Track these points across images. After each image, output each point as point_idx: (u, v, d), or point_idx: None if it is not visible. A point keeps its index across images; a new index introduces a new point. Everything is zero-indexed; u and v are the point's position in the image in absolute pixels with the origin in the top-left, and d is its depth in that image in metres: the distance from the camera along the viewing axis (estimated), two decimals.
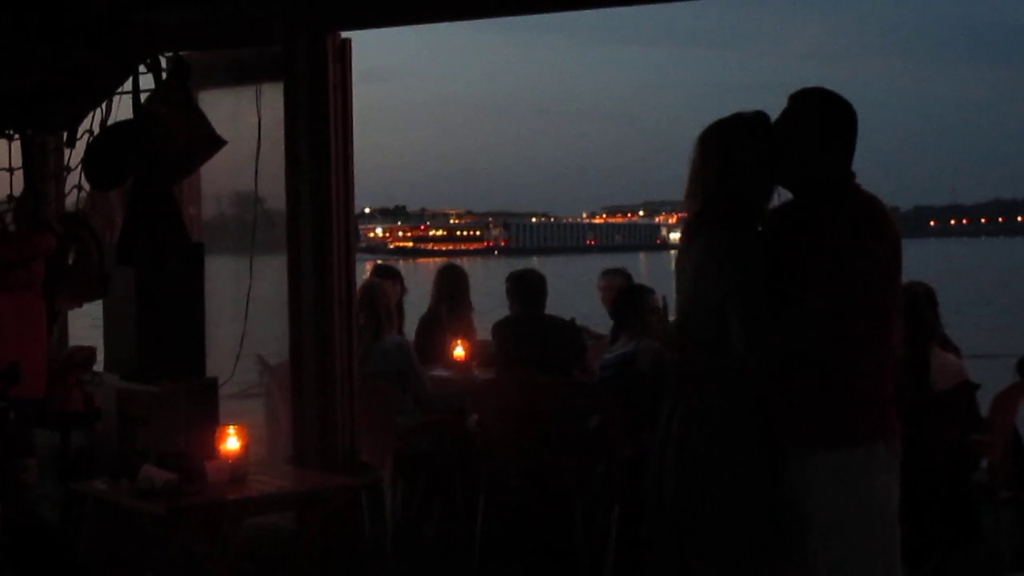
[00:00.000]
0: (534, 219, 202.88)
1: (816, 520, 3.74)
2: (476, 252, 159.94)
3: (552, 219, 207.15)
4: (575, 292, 7.61)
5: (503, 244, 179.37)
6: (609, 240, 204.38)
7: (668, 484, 3.95)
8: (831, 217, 3.70)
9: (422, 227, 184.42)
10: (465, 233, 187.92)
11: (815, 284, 3.68)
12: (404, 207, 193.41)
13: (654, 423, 4.19)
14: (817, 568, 3.75)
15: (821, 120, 3.82)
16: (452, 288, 8.48)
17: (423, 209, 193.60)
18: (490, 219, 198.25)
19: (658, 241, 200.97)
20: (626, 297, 7.08)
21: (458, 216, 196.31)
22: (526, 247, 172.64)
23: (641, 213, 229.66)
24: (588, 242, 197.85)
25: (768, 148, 3.83)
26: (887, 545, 3.80)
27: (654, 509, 4.06)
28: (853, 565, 3.74)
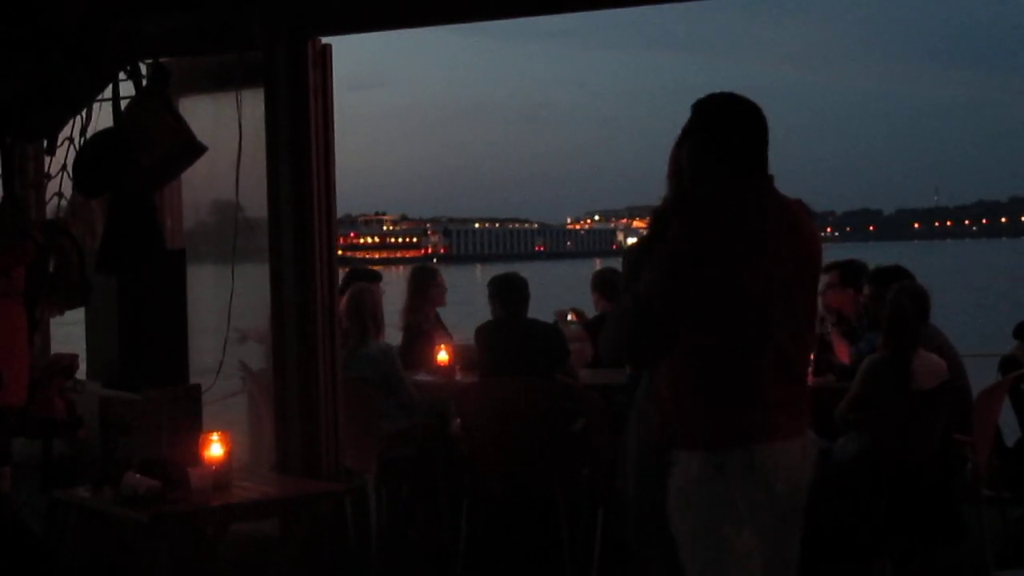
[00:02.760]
0: (477, 225, 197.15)
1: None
2: (412, 260, 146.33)
3: (498, 224, 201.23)
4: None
5: (442, 252, 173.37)
6: (559, 246, 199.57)
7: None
8: (666, 223, 3.73)
9: (351, 235, 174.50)
10: (400, 240, 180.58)
11: (643, 285, 3.73)
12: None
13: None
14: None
15: (693, 125, 3.83)
16: (420, 289, 8.49)
17: (348, 215, 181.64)
18: (428, 225, 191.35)
19: (614, 247, 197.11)
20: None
21: (393, 222, 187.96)
22: (469, 254, 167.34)
23: (624, 219, 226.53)
24: (537, 248, 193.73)
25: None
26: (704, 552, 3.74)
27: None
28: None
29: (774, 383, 3.69)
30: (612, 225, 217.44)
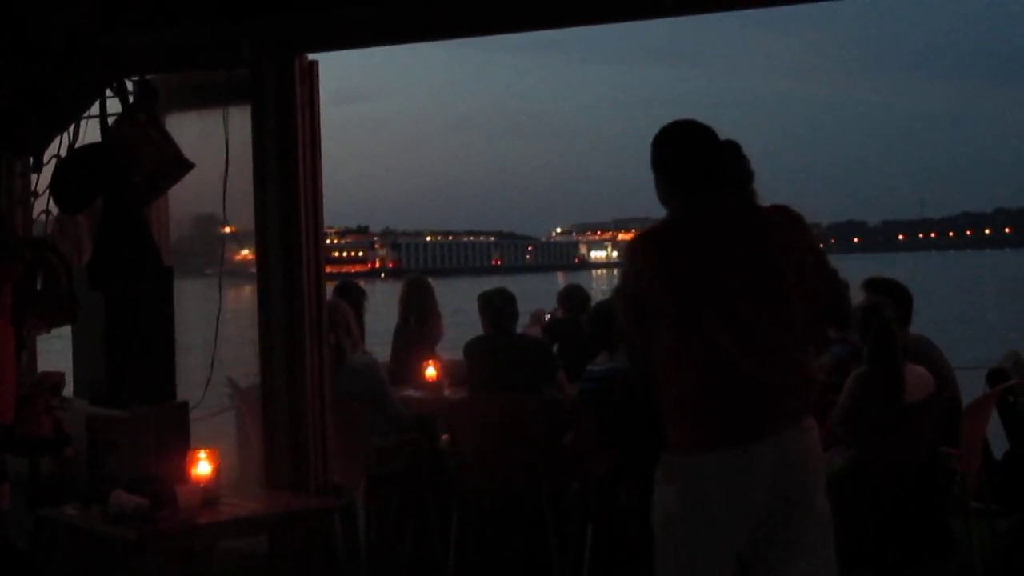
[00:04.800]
0: (429, 237, 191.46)
1: None
2: (359, 275, 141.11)
3: (451, 237, 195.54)
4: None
5: (391, 265, 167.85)
6: (519, 260, 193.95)
7: None
8: None
9: (231, 247, 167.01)
10: (344, 254, 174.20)
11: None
12: None
13: (626, 442, 4.30)
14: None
15: (653, 154, 4.09)
16: (418, 300, 8.60)
17: (228, 225, 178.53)
18: (375, 238, 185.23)
19: (576, 260, 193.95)
20: (600, 315, 7.12)
21: (337, 235, 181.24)
22: (419, 268, 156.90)
23: (611, 232, 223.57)
24: (494, 262, 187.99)
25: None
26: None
27: None
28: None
29: (721, 392, 3.80)
30: (576, 238, 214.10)
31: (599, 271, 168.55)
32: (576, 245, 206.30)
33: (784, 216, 3.97)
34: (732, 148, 4.40)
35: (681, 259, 3.91)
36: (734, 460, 3.78)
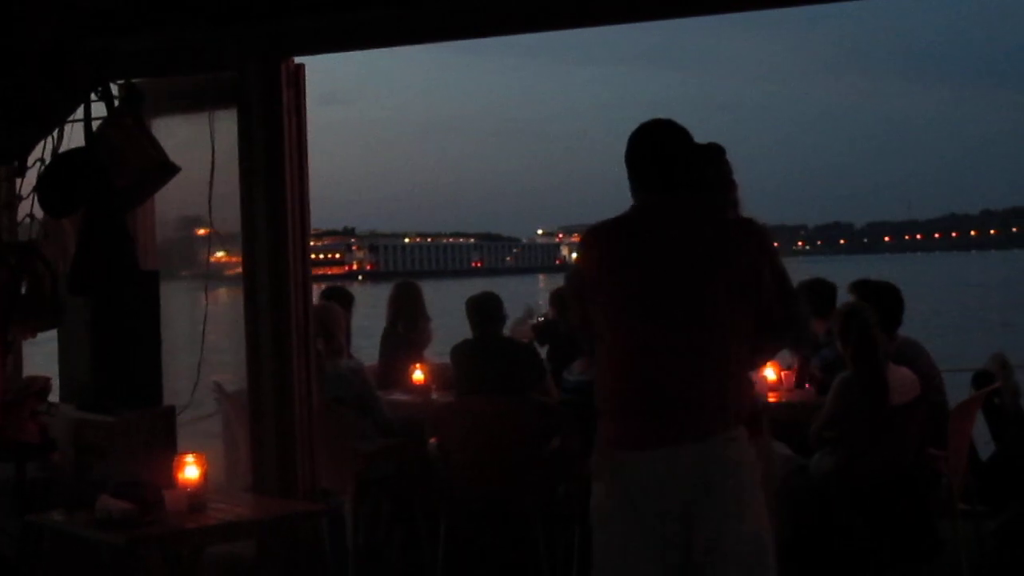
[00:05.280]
0: (407, 239, 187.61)
1: None
2: (336, 278, 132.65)
3: (430, 239, 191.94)
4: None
5: (369, 268, 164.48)
6: (499, 262, 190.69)
7: None
8: None
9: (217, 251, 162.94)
10: (322, 256, 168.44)
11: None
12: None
13: None
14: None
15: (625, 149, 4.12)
16: (407, 304, 8.60)
17: (214, 229, 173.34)
18: (352, 240, 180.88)
19: (558, 262, 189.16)
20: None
21: (315, 237, 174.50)
22: (398, 271, 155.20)
23: (563, 234, 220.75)
24: (474, 264, 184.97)
25: None
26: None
27: None
28: None
29: (641, 394, 3.83)
30: (558, 239, 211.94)
31: None
32: (558, 247, 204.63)
33: (742, 230, 3.95)
34: (711, 152, 4.39)
35: (619, 257, 3.94)
36: (650, 463, 3.78)
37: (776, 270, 3.91)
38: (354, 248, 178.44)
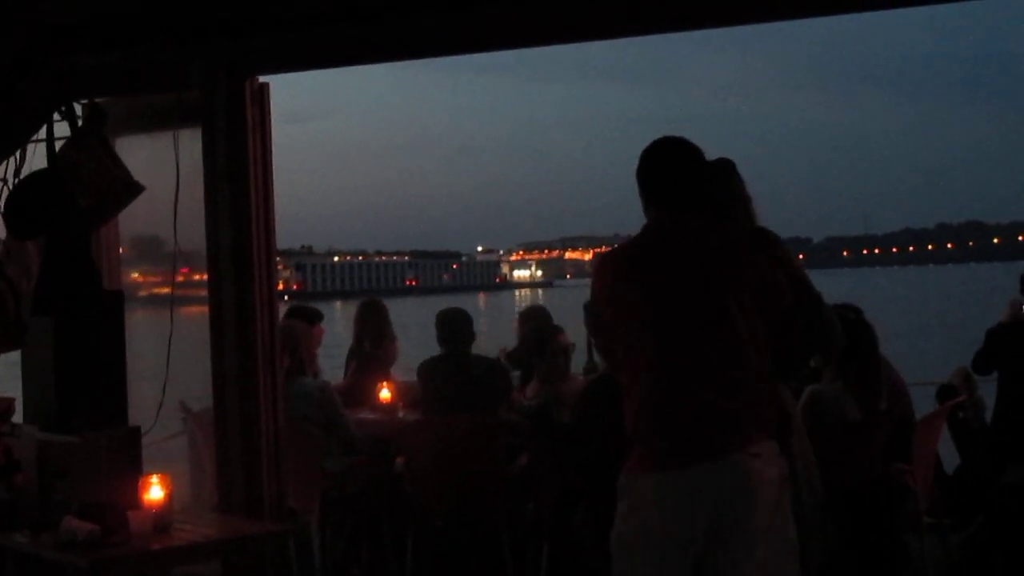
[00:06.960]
0: (336, 258, 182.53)
1: None
2: None
3: (361, 258, 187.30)
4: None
5: (295, 287, 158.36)
6: (435, 280, 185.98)
7: None
8: None
9: (183, 270, 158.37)
10: None
11: None
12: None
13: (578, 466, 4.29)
14: None
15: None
16: (372, 322, 8.60)
17: (179, 249, 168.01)
18: (277, 259, 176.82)
19: (498, 280, 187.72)
20: (532, 339, 7.15)
21: None
22: (326, 291, 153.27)
23: (557, 251, 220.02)
24: (408, 283, 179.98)
25: None
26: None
27: None
28: None
29: (662, 414, 3.80)
30: (498, 258, 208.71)
31: (522, 291, 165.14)
32: (498, 265, 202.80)
33: (754, 242, 3.91)
34: (722, 168, 4.40)
35: (633, 280, 3.93)
36: (673, 483, 3.74)
37: (794, 278, 3.86)
38: (280, 267, 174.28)
